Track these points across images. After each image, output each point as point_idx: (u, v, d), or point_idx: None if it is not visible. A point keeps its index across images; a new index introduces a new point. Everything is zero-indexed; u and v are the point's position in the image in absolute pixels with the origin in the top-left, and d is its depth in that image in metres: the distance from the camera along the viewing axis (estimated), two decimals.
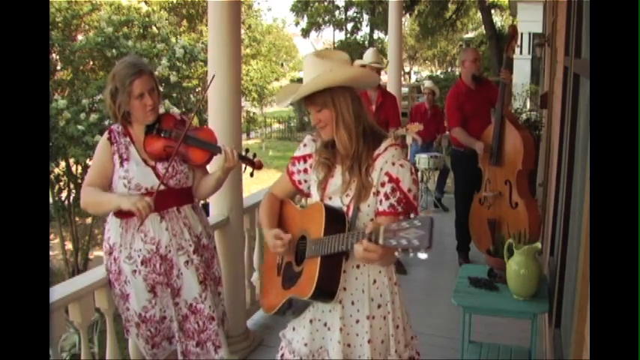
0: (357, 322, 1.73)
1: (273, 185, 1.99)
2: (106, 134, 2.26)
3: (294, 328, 1.85)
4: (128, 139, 2.25)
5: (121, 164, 2.21)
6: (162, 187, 2.17)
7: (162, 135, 2.24)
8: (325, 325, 1.76)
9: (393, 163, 1.67)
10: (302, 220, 1.81)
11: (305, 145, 1.86)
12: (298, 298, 1.73)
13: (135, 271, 2.21)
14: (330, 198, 1.75)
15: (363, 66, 4.41)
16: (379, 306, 1.74)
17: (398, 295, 1.79)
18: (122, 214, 2.22)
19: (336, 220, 1.66)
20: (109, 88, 2.18)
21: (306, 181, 1.86)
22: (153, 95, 2.18)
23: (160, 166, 2.23)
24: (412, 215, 1.40)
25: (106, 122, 8.06)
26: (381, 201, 1.67)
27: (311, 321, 1.77)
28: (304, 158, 1.85)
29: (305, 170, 1.85)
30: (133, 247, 2.21)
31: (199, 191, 2.36)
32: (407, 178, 1.65)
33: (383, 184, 1.67)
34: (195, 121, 2.44)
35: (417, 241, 1.33)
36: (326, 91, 1.65)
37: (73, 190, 8.98)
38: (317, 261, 1.64)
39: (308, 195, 1.89)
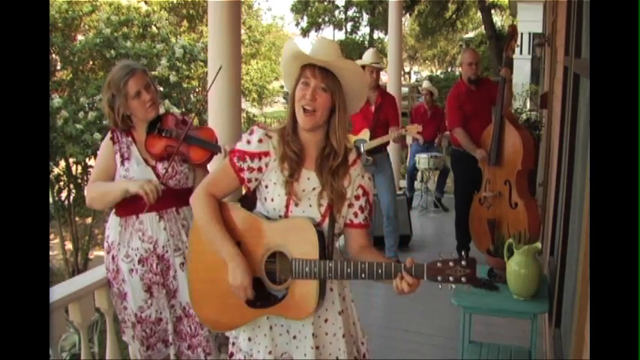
0: (326, 321, 1.72)
1: (210, 184, 1.72)
2: (109, 134, 2.29)
3: (249, 339, 1.74)
4: (130, 139, 2.27)
5: (122, 163, 2.23)
6: (161, 187, 2.18)
7: (163, 135, 2.25)
8: (288, 332, 1.72)
9: (363, 176, 1.72)
10: (273, 234, 1.65)
11: (261, 141, 1.66)
12: (277, 315, 1.68)
13: (132, 270, 2.21)
14: (297, 204, 1.65)
15: (363, 66, 4.42)
16: (344, 299, 1.77)
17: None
18: (122, 212, 2.24)
19: (323, 239, 1.63)
20: (106, 97, 2.20)
21: (256, 180, 1.69)
22: (149, 91, 2.20)
23: (160, 166, 2.25)
24: (454, 257, 1.50)
25: (105, 121, 8.05)
26: (356, 214, 1.71)
27: (271, 327, 1.71)
28: (259, 155, 1.66)
29: (259, 169, 1.67)
30: (131, 245, 2.22)
31: None
32: (372, 189, 1.75)
33: (358, 198, 1.71)
34: (196, 122, 2.44)
35: (464, 278, 1.49)
36: (338, 80, 1.63)
37: (73, 190, 8.97)
38: (314, 284, 1.61)
39: (250, 191, 1.73)
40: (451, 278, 1.49)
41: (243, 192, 1.83)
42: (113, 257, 2.25)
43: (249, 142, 1.67)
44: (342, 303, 1.75)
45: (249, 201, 1.79)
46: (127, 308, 2.26)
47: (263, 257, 1.66)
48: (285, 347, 1.73)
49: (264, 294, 1.67)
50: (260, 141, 1.66)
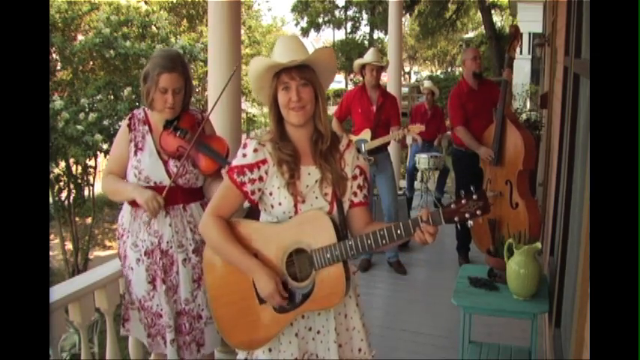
0: (346, 316, 1.77)
1: (215, 207, 1.72)
2: (126, 120, 2.31)
3: (270, 350, 1.73)
4: (147, 127, 2.28)
5: (135, 153, 2.24)
6: (162, 202, 2.19)
7: (178, 134, 2.24)
8: (311, 329, 1.73)
9: (358, 157, 1.78)
10: (286, 235, 1.67)
11: (256, 151, 1.67)
12: (309, 311, 1.70)
13: (139, 259, 2.26)
14: (303, 201, 1.67)
15: (364, 65, 4.42)
16: (355, 287, 1.81)
17: None
18: (134, 203, 2.27)
19: (336, 224, 1.67)
20: (145, 69, 2.23)
21: (259, 190, 1.69)
22: (176, 95, 2.20)
23: (172, 163, 2.25)
24: (462, 193, 1.54)
25: (105, 122, 8.05)
26: (356, 193, 1.75)
27: (296, 334, 1.71)
28: (257, 165, 1.67)
29: (260, 178, 1.67)
30: (139, 236, 2.26)
31: (209, 191, 2.36)
32: (368, 168, 1.82)
33: (355, 177, 1.76)
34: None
35: (479, 211, 1.54)
36: (312, 69, 1.66)
37: (73, 191, 8.97)
38: (339, 266, 1.64)
39: (255, 203, 1.73)
40: (467, 215, 1.54)
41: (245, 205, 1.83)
42: (124, 242, 2.31)
43: (244, 155, 1.68)
44: (357, 297, 1.81)
45: (255, 213, 1.80)
46: (132, 293, 2.32)
47: (282, 260, 1.67)
48: (306, 347, 1.74)
49: (291, 295, 1.68)
50: (255, 150, 1.68)
